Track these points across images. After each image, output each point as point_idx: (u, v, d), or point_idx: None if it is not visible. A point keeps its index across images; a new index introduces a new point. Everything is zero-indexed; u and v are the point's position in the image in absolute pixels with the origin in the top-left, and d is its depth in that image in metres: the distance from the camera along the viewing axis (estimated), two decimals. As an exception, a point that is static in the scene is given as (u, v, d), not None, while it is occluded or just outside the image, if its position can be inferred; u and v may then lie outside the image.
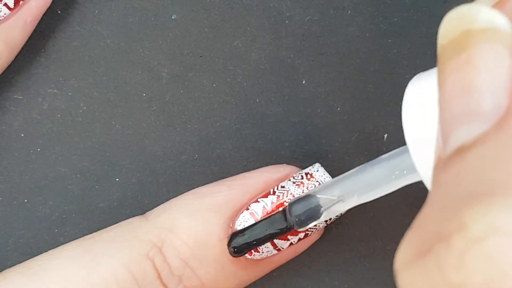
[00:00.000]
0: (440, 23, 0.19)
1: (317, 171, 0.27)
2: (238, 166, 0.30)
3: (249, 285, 0.29)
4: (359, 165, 0.25)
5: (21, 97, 0.30)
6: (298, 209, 0.25)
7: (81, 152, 0.30)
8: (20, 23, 0.28)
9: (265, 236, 0.26)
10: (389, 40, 0.30)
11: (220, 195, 0.27)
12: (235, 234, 0.26)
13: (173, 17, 0.30)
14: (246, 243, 0.26)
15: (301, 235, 0.27)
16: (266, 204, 0.27)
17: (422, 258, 0.15)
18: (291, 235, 0.27)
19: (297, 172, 0.28)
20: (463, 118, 0.17)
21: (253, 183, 0.27)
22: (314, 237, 0.28)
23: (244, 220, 0.27)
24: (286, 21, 0.30)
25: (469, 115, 0.17)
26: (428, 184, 0.21)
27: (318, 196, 0.25)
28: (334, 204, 0.24)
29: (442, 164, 0.17)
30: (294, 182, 0.27)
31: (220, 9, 0.30)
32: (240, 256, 0.26)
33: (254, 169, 0.29)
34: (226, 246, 0.26)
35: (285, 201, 0.27)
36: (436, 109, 0.18)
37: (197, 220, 0.26)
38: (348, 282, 0.30)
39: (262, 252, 0.27)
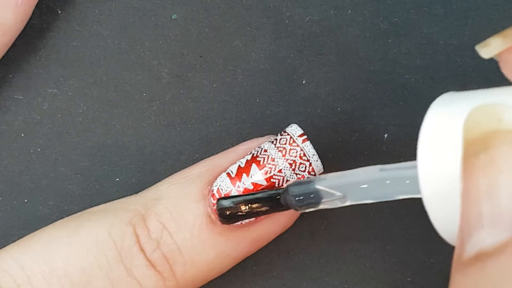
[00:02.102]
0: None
1: (291, 127, 0.27)
2: (238, 166, 0.30)
3: (249, 284, 0.29)
4: (359, 165, 0.24)
5: (21, 97, 0.30)
6: (297, 194, 0.25)
7: (81, 152, 0.30)
8: (11, 3, 0.27)
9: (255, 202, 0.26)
10: (389, 40, 0.30)
11: (202, 164, 0.28)
12: (223, 198, 0.26)
13: (173, 17, 0.30)
14: (232, 204, 0.26)
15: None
16: (241, 162, 0.27)
17: None
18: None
19: None
20: (485, 221, 0.17)
21: (234, 150, 0.28)
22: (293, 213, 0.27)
23: (221, 181, 0.27)
24: (286, 21, 0.30)
25: (492, 218, 0.17)
26: (431, 215, 0.20)
27: (321, 188, 0.24)
28: (335, 199, 0.24)
29: (461, 265, 0.18)
30: (269, 141, 0.27)
31: (220, 9, 0.30)
32: (228, 222, 0.26)
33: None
34: (202, 209, 0.27)
35: (257, 156, 0.27)
36: (453, 149, 0.18)
37: (178, 186, 0.27)
38: (348, 282, 0.30)
39: None
